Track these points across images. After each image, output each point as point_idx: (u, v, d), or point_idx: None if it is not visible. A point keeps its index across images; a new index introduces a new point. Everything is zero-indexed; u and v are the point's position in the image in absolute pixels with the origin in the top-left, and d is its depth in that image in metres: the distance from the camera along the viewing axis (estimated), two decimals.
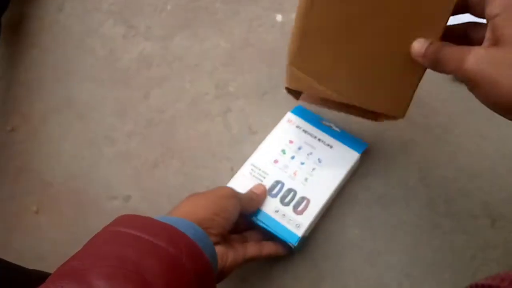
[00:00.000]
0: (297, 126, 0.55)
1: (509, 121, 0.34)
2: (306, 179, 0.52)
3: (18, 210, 0.63)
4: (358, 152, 0.53)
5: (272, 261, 0.56)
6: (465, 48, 0.34)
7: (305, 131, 0.55)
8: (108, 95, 0.64)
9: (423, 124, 0.57)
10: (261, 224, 0.51)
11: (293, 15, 0.61)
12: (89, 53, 0.65)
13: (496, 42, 0.33)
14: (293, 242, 0.49)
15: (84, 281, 0.30)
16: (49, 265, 0.53)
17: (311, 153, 0.54)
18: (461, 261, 0.53)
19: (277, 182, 0.53)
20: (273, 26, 0.61)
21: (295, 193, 0.52)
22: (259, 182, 0.53)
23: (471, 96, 0.35)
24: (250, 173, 0.54)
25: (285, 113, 0.56)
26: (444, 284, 0.53)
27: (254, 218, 0.51)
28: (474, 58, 0.33)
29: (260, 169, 0.54)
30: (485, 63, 0.32)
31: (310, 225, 0.51)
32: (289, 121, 0.56)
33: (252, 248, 0.49)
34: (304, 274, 0.55)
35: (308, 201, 0.52)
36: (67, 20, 0.66)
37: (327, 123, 0.55)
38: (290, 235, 0.50)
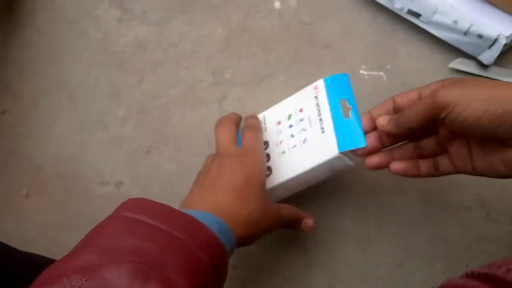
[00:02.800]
0: (315, 97, 0.50)
1: None
2: (283, 153, 0.50)
3: (7, 194, 0.62)
4: (340, 149, 0.45)
5: (264, 248, 0.55)
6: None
7: (317, 105, 0.49)
8: (101, 79, 0.63)
9: None
10: None
11: (291, 2, 0.61)
12: (83, 36, 0.64)
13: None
14: None
15: (102, 279, 0.29)
16: (38, 249, 0.52)
17: (304, 130, 0.49)
18: (455, 252, 0.53)
19: (265, 143, 0.52)
20: (271, 13, 0.61)
21: (268, 159, 0.51)
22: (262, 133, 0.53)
23: None
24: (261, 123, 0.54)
25: (280, 100, 0.55)
26: (436, 275, 0.53)
27: None
28: (446, 90, 0.37)
29: (265, 124, 0.54)
30: (459, 90, 0.36)
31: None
32: (314, 88, 0.51)
33: None
34: (296, 262, 0.55)
35: (271, 173, 0.50)
36: (61, 1, 0.65)
37: (348, 105, 0.48)
38: None
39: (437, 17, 0.54)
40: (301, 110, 0.51)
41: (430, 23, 0.55)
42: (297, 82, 0.58)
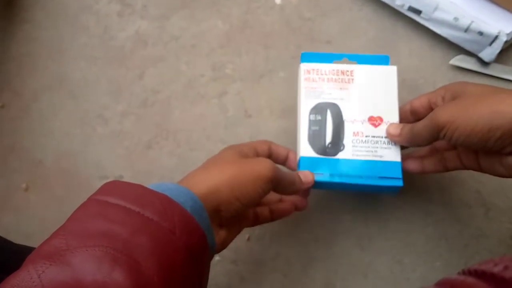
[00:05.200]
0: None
1: None
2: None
3: (7, 188, 0.62)
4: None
5: (263, 244, 0.55)
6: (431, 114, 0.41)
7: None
8: (101, 74, 0.63)
9: None
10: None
11: None
12: (83, 30, 0.64)
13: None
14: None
15: (67, 264, 0.28)
16: (37, 243, 0.52)
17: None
18: (454, 250, 0.53)
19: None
20: (271, 8, 0.60)
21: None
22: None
23: None
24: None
25: (280, 96, 0.55)
26: (435, 272, 0.53)
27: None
28: (442, 111, 0.40)
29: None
30: (452, 110, 0.40)
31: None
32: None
33: (253, 220, 0.46)
34: (295, 259, 0.55)
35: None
36: None
37: (340, 61, 0.51)
38: None
39: (438, 14, 0.54)
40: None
41: (430, 20, 0.55)
42: (297, 78, 0.58)
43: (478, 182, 0.54)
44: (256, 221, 0.47)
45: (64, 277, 0.27)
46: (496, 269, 0.27)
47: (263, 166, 0.41)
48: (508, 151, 0.38)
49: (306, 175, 0.47)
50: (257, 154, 0.47)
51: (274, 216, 0.48)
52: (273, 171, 0.41)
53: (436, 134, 0.41)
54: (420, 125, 0.43)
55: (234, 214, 0.40)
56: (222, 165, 0.41)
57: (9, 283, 0.27)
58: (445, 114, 0.40)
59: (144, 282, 0.29)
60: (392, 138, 0.47)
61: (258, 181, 0.40)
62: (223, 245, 0.42)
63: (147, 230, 0.32)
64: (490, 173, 0.43)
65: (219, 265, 0.55)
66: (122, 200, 0.33)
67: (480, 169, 0.43)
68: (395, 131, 0.46)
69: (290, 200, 0.49)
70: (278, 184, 0.42)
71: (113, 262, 0.28)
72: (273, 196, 0.49)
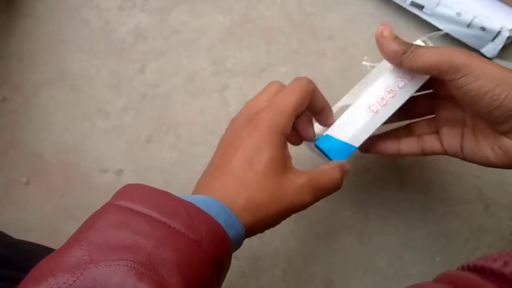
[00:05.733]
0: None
1: None
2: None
3: (7, 182, 0.62)
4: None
5: (264, 240, 0.55)
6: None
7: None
8: (102, 68, 0.63)
9: None
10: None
11: None
12: (84, 24, 0.64)
13: None
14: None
15: (92, 279, 0.27)
16: (37, 238, 0.52)
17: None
18: (454, 246, 0.53)
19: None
20: (273, 3, 0.60)
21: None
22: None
23: None
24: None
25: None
26: (435, 268, 0.53)
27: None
28: (459, 52, 0.36)
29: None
30: (470, 58, 0.35)
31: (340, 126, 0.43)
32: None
33: None
34: (295, 254, 0.55)
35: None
36: None
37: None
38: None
39: (440, 9, 0.53)
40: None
41: (433, 15, 0.54)
42: (299, 73, 0.58)
43: (477, 178, 0.54)
44: None
45: None
46: (495, 265, 0.27)
47: (308, 200, 0.39)
48: (506, 129, 0.36)
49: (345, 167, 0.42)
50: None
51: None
52: (316, 196, 0.39)
53: (441, 72, 0.36)
54: (431, 49, 0.37)
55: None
56: (261, 178, 0.37)
57: None
58: (466, 61, 0.35)
59: None
60: (380, 40, 0.40)
61: (295, 199, 0.38)
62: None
63: (173, 242, 0.30)
64: (471, 159, 0.40)
65: None
66: (146, 208, 0.31)
67: (462, 154, 0.41)
68: (390, 34, 0.40)
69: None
70: (317, 186, 0.39)
71: (138, 278, 0.27)
72: None
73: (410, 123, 0.46)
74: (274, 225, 0.38)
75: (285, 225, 0.52)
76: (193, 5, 0.62)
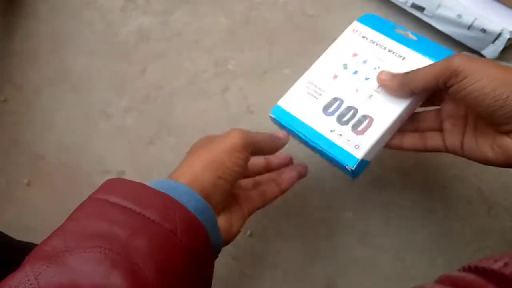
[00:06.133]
0: (363, 37, 0.47)
1: None
2: (370, 96, 0.44)
3: (9, 183, 0.62)
4: (437, 59, 0.42)
5: (264, 240, 0.55)
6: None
7: (372, 42, 0.46)
8: (104, 69, 0.63)
9: None
10: (312, 144, 0.43)
11: None
12: (86, 25, 0.64)
13: None
14: (351, 165, 0.41)
15: (65, 265, 0.27)
16: (38, 238, 0.52)
17: (378, 67, 0.45)
18: (456, 247, 0.53)
19: (335, 99, 0.45)
20: (274, 5, 0.60)
21: (356, 111, 0.43)
22: (315, 99, 0.45)
23: None
24: (306, 90, 0.46)
25: (284, 93, 0.55)
26: (437, 269, 0.53)
27: (305, 138, 0.44)
28: (458, 57, 0.37)
29: (316, 86, 0.46)
30: (469, 61, 0.36)
31: (371, 148, 0.42)
32: (354, 31, 0.47)
33: (260, 199, 0.44)
34: (296, 255, 0.55)
35: (371, 119, 0.43)
36: None
37: (402, 31, 0.46)
38: (347, 156, 0.42)
39: (441, 11, 0.53)
40: (355, 55, 0.46)
41: (434, 17, 0.54)
42: (301, 75, 0.58)
43: (480, 180, 0.54)
44: (264, 199, 0.45)
45: (61, 279, 0.27)
46: (496, 266, 0.27)
47: (232, 136, 0.40)
48: (508, 129, 0.36)
49: (280, 132, 0.46)
50: None
51: (282, 187, 0.46)
52: (243, 137, 0.40)
53: (444, 80, 0.37)
54: (423, 69, 0.39)
55: (224, 195, 0.39)
56: (198, 152, 0.40)
57: (6, 284, 0.27)
58: (465, 64, 0.36)
59: (142, 285, 0.28)
60: (382, 83, 0.42)
61: (233, 152, 0.39)
62: (229, 235, 0.40)
63: (147, 231, 0.31)
64: (471, 157, 0.40)
65: (220, 260, 0.55)
66: (122, 199, 0.32)
67: (462, 151, 0.41)
68: (386, 75, 0.42)
69: (290, 168, 0.48)
70: (257, 146, 0.42)
71: (111, 264, 0.28)
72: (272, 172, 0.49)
73: (418, 113, 0.46)
74: (225, 191, 0.39)
75: (286, 225, 0.52)
76: (195, 6, 0.62)
